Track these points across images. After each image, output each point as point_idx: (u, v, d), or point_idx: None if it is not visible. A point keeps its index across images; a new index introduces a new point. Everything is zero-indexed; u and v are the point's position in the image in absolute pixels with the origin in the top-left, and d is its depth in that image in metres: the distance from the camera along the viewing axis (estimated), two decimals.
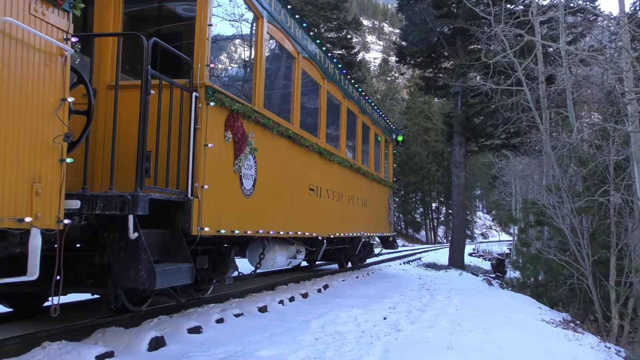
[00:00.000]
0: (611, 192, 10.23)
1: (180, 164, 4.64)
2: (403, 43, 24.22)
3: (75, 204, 3.70)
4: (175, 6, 5.85)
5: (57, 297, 3.39)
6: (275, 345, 4.47)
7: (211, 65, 5.03)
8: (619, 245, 10.29)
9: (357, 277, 11.55)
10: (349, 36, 31.59)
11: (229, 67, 6.33)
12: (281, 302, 6.92)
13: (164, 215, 4.64)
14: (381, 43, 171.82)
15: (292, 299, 7.33)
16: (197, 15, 4.99)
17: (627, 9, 11.77)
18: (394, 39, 79.10)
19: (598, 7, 16.02)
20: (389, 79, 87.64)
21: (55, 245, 3.32)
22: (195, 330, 4.85)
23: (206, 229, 4.88)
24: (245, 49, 6.40)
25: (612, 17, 11.26)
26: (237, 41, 6.38)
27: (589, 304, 10.97)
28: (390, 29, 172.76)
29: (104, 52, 4.93)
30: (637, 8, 14.31)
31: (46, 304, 5.49)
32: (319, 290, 8.64)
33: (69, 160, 3.38)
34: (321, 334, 5.09)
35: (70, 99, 3.39)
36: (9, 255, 3.13)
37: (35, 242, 3.10)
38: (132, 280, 4.10)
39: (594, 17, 14.79)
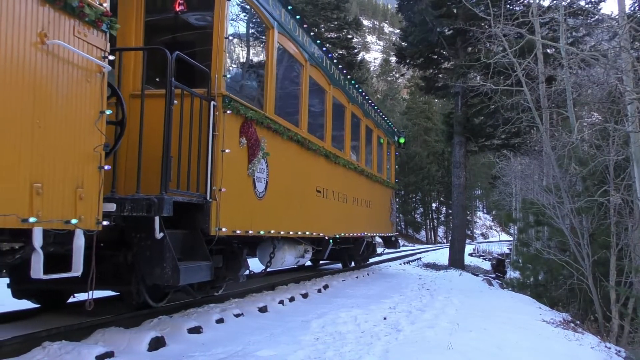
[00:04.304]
0: (611, 192, 10.23)
1: (200, 169, 4.93)
2: (403, 44, 24.19)
3: (112, 207, 4.00)
4: (190, 16, 6.02)
5: (91, 293, 3.66)
6: (275, 345, 4.48)
7: (227, 76, 5.29)
8: (619, 245, 10.29)
9: (357, 277, 11.55)
10: (349, 36, 31.54)
11: (243, 76, 6.53)
12: (281, 302, 6.93)
13: (185, 217, 4.89)
14: (381, 43, 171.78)
15: (292, 299, 7.33)
16: (215, 29, 5.29)
17: (627, 9, 11.73)
18: (394, 39, 79.07)
19: (599, 9, 16.01)
20: (389, 79, 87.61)
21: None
22: (196, 330, 4.86)
23: (223, 229, 5.16)
24: (257, 58, 6.69)
25: (612, 17, 11.26)
26: (250, 51, 6.69)
27: (589, 304, 10.97)
28: (390, 29, 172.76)
29: (126, 63, 5.14)
30: (637, 8, 14.30)
31: (70, 300, 5.80)
32: (319, 291, 8.65)
33: (107, 167, 3.73)
34: (321, 334, 5.09)
35: (108, 112, 3.73)
36: (52, 253, 3.36)
37: (79, 242, 3.43)
38: (157, 277, 4.39)
39: (594, 18, 14.79)
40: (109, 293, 6.10)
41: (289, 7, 7.01)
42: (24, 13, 3.01)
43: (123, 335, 4.27)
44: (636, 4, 14.18)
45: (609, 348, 6.36)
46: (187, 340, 4.60)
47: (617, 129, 9.67)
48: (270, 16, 6.41)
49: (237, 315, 5.72)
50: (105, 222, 3.71)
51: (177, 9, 5.40)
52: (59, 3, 3.23)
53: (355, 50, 33.37)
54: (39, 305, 5.50)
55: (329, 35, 29.79)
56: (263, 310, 6.31)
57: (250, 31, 6.57)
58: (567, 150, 11.73)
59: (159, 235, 4.30)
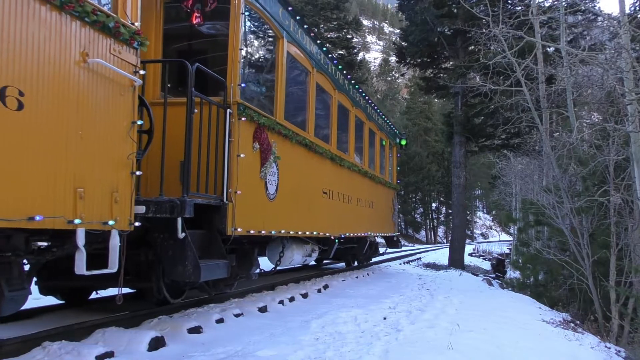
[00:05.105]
0: (611, 192, 10.22)
1: (217, 172, 5.24)
2: (403, 43, 24.18)
3: (141, 209, 4.28)
4: (205, 26, 6.26)
5: (120, 289, 4.05)
6: (275, 345, 4.48)
7: (242, 85, 5.61)
8: (618, 245, 10.27)
9: (357, 277, 11.55)
10: (349, 36, 31.54)
11: (255, 84, 6.80)
12: (281, 302, 6.93)
13: (203, 217, 5.15)
14: (381, 43, 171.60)
15: (292, 299, 7.33)
16: (230, 40, 5.59)
17: (627, 9, 11.73)
18: (394, 39, 78.98)
19: (598, 7, 15.99)
20: (389, 79, 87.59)
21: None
22: (195, 330, 4.86)
23: (239, 229, 5.48)
24: (268, 66, 7.00)
25: (612, 17, 11.25)
26: (262, 60, 7.07)
27: (589, 304, 10.96)
28: (390, 29, 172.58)
29: (146, 72, 5.36)
30: (637, 8, 14.29)
31: (92, 296, 6.14)
32: (319, 291, 8.65)
33: (138, 172, 4.08)
34: (321, 334, 5.09)
35: (139, 122, 4.09)
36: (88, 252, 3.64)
37: (115, 242, 3.76)
38: (179, 274, 4.68)
39: (594, 17, 14.77)
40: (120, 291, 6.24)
41: (298, 17, 7.28)
42: (69, 35, 3.36)
43: (123, 335, 4.27)
44: (637, 4, 14.17)
45: (609, 348, 6.35)
46: (187, 340, 4.60)
47: (617, 129, 9.66)
48: (280, 26, 6.71)
49: (237, 315, 5.72)
50: (137, 224, 4.03)
51: (194, 22, 5.68)
52: (98, 24, 3.56)
53: (355, 50, 33.39)
54: (63, 302, 5.76)
55: (329, 35, 29.78)
56: (263, 310, 6.31)
57: (262, 41, 6.94)
58: (567, 150, 11.72)
59: (181, 235, 4.58)
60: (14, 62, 2.95)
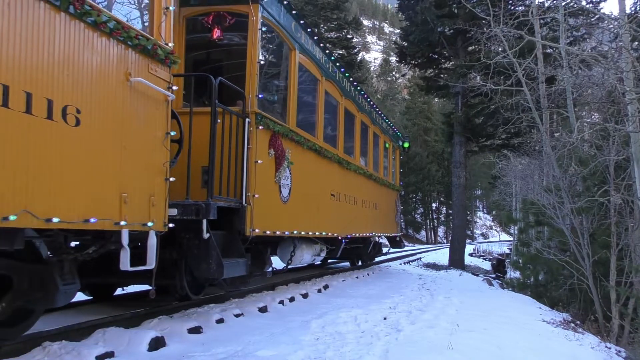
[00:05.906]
0: (611, 192, 10.21)
1: (237, 177, 5.59)
2: (404, 43, 24.18)
3: (174, 211, 4.62)
4: (224, 37, 6.52)
5: (153, 284, 4.42)
6: (275, 345, 4.48)
7: (260, 96, 5.96)
8: (619, 245, 10.26)
9: (357, 277, 11.55)
10: (349, 36, 31.53)
11: (270, 94, 7.17)
12: (281, 302, 6.92)
13: (224, 219, 5.43)
14: (381, 43, 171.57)
15: (292, 299, 7.33)
16: (248, 54, 5.94)
17: (627, 9, 11.71)
18: (394, 39, 78.95)
19: (600, 8, 15.97)
20: (389, 79, 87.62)
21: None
22: (196, 330, 4.86)
23: (256, 230, 5.85)
24: (282, 76, 7.35)
25: (612, 17, 11.24)
26: (276, 71, 7.39)
27: (589, 304, 10.95)
28: (391, 29, 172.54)
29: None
30: (638, 8, 14.27)
31: (117, 292, 6.54)
32: (319, 291, 8.64)
33: (172, 179, 4.41)
34: (321, 334, 5.09)
35: (172, 133, 4.47)
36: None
37: (152, 241, 4.13)
38: (204, 272, 5.05)
39: (595, 18, 14.76)
40: (132, 289, 6.55)
41: (309, 30, 7.58)
42: (115, 57, 3.77)
43: (123, 335, 4.26)
44: (637, 4, 14.16)
45: (609, 348, 6.36)
46: (187, 340, 4.60)
47: (617, 128, 9.66)
48: (292, 39, 7.05)
49: (237, 315, 5.71)
50: (171, 225, 4.37)
51: (215, 36, 6.03)
52: (139, 47, 3.97)
53: (355, 50, 33.36)
54: (91, 297, 6.14)
55: (329, 35, 29.75)
56: (263, 310, 6.30)
57: (276, 53, 7.31)
58: (567, 150, 11.71)
59: (206, 235, 4.91)
60: (74, 85, 3.36)
